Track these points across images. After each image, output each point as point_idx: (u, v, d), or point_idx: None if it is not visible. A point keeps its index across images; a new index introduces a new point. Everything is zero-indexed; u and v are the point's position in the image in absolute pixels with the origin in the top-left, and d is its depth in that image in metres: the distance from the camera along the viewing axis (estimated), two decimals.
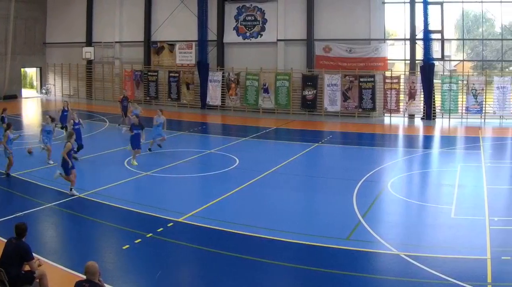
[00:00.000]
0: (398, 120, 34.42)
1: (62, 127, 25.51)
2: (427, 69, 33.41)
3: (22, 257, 8.98)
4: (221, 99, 39.06)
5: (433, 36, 34.24)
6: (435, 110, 34.21)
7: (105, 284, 8.20)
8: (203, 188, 17.81)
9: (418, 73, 34.29)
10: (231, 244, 12.43)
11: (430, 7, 33.30)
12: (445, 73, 34.95)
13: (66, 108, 26.12)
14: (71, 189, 16.00)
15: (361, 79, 34.94)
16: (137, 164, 19.67)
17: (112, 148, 23.24)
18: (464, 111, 33.53)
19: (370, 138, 28.75)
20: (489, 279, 10.24)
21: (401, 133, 31.48)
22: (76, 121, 21.21)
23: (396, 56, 36.65)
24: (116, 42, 44.28)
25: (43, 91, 48.26)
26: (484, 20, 35.97)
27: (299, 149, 24.01)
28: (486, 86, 32.85)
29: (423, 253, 11.60)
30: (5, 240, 9.39)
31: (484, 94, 32.88)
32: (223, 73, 39.22)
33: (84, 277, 7.89)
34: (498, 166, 19.66)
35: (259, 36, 38.91)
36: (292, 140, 27.27)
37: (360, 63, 35.53)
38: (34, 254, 9.27)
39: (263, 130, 29.41)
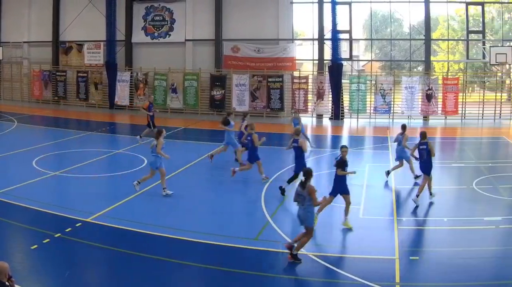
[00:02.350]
0: (306, 120, 31.64)
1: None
2: (335, 69, 31.04)
3: None
4: (129, 99, 35.51)
5: (341, 36, 32.29)
6: (343, 110, 31.88)
7: (15, 285, 7.42)
8: (111, 188, 16.95)
9: (326, 73, 31.99)
10: (139, 244, 11.77)
11: (338, 7, 31.21)
12: (353, 73, 33.03)
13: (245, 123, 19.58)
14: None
15: (270, 79, 32.13)
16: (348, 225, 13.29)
17: (21, 148, 21.73)
18: (372, 111, 31.52)
19: (278, 138, 26.29)
20: (397, 279, 9.85)
21: (309, 133, 28.69)
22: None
23: (305, 56, 34.65)
24: (25, 42, 39.84)
25: None
26: (392, 20, 34.97)
27: (207, 149, 21.93)
28: (394, 86, 31.11)
29: (332, 253, 11.22)
30: None
31: (392, 94, 31.08)
32: (131, 73, 35.65)
33: None
34: (406, 166, 17.40)
35: (168, 36, 35.54)
36: (201, 141, 25.58)
37: (268, 63, 32.80)
38: None
39: (171, 130, 27.24)
